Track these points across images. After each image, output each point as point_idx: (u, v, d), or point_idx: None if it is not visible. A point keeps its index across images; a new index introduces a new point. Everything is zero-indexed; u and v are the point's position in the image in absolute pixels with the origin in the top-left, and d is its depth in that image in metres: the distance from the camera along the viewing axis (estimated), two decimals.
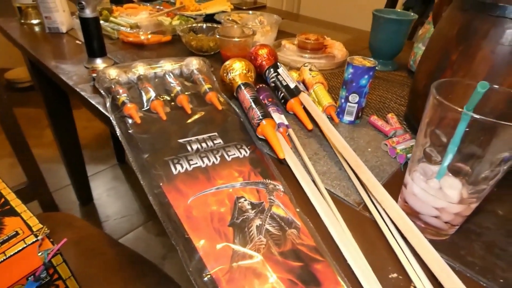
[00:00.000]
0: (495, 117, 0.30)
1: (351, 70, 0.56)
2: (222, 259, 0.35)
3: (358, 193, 0.45)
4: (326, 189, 0.45)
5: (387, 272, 0.35)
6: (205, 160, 0.47)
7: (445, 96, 0.33)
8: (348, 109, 0.59)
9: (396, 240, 0.38)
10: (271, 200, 0.42)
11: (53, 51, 0.86)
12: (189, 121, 0.55)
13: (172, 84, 0.61)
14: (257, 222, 0.39)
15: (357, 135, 0.57)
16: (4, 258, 0.36)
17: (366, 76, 0.55)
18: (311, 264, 0.35)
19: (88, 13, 0.64)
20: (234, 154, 0.49)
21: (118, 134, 0.51)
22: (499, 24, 0.43)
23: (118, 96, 0.56)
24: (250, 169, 0.47)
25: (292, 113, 0.62)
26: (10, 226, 0.39)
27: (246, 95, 0.56)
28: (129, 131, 0.51)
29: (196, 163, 0.46)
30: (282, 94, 0.61)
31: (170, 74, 0.64)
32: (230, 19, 1.01)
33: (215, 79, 0.66)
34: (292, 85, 0.62)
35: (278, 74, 0.65)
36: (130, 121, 0.53)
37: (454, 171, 0.35)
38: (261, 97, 0.60)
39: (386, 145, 0.53)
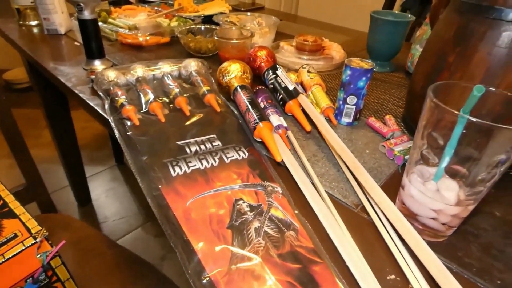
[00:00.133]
0: (492, 119, 0.31)
1: (349, 72, 0.56)
2: (220, 262, 0.35)
3: (356, 195, 0.45)
4: (325, 191, 0.45)
5: (385, 273, 0.35)
6: (204, 162, 0.47)
7: (442, 99, 0.33)
8: (346, 111, 0.59)
9: (394, 241, 0.38)
10: (270, 202, 0.42)
11: (52, 52, 0.86)
12: (188, 123, 0.55)
13: (170, 86, 0.61)
14: (256, 224, 0.39)
15: (355, 136, 0.58)
16: (3, 260, 0.36)
17: (364, 78, 0.55)
18: (309, 266, 0.35)
19: (87, 15, 0.64)
20: (233, 156, 0.49)
21: (116, 136, 0.51)
22: (496, 26, 0.44)
23: (116, 98, 0.56)
24: (249, 171, 0.47)
25: (290, 114, 0.62)
26: (9, 228, 0.40)
27: (242, 98, 0.57)
28: (127, 133, 0.51)
29: (195, 165, 0.46)
30: (281, 96, 0.62)
31: (169, 76, 0.65)
32: (228, 20, 1.01)
33: (213, 81, 0.66)
34: (290, 87, 0.62)
35: (277, 75, 0.65)
36: (128, 123, 0.53)
37: (451, 173, 0.36)
38: (259, 99, 0.60)
39: (384, 146, 0.53)
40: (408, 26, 0.83)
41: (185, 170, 0.45)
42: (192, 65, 0.68)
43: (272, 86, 0.65)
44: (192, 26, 0.92)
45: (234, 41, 0.79)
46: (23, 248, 0.37)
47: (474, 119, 0.30)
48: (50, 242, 0.40)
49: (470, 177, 0.34)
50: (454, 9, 0.50)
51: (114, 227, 1.43)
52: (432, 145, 0.35)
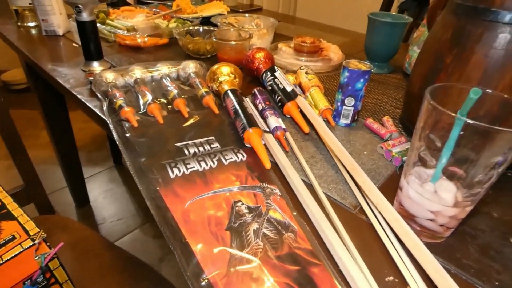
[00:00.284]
0: (489, 120, 0.31)
1: (347, 74, 0.56)
2: (219, 263, 0.35)
3: (355, 196, 0.45)
4: (323, 192, 0.45)
5: (383, 275, 0.35)
6: (202, 164, 0.47)
7: (440, 101, 0.33)
8: (344, 112, 0.59)
9: (392, 243, 0.38)
10: (268, 204, 0.42)
11: (50, 54, 0.86)
12: (186, 124, 0.55)
13: (169, 88, 0.61)
14: (254, 226, 0.39)
15: (353, 138, 0.58)
16: (1, 262, 0.36)
17: (361, 80, 0.56)
18: (308, 267, 0.35)
19: (85, 16, 0.64)
20: (231, 158, 0.49)
21: (115, 138, 0.51)
22: (492, 28, 0.44)
23: (115, 100, 0.56)
24: (247, 173, 0.47)
25: (289, 116, 0.62)
26: (7, 230, 0.39)
27: (230, 103, 0.56)
28: (126, 134, 0.51)
29: (194, 167, 0.46)
30: (279, 97, 0.62)
31: (167, 77, 0.65)
32: (227, 22, 1.01)
33: None
34: (289, 89, 0.62)
35: (275, 77, 0.65)
36: (127, 124, 0.53)
37: (449, 174, 0.36)
38: (257, 101, 0.60)
39: (382, 148, 0.53)
40: (405, 28, 0.83)
41: (183, 172, 0.45)
42: (190, 67, 0.68)
43: (270, 87, 0.65)
44: (190, 28, 0.92)
45: (233, 42, 0.79)
46: (21, 250, 0.37)
47: (471, 122, 0.30)
48: (48, 244, 0.39)
49: (467, 179, 0.34)
50: (451, 11, 0.50)
51: (112, 228, 1.42)
52: (429, 147, 0.36)
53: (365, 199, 0.44)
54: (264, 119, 0.58)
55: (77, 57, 0.83)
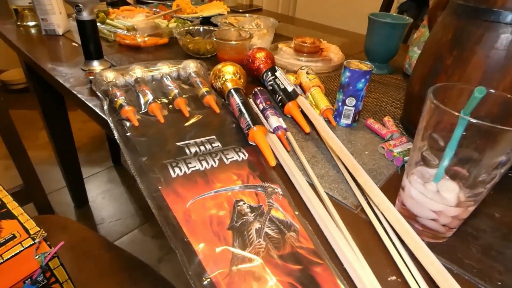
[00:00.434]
0: (490, 120, 0.31)
1: (348, 74, 0.56)
2: (221, 263, 0.35)
3: (356, 196, 0.45)
4: (325, 192, 0.45)
5: (386, 275, 0.35)
6: (204, 163, 0.47)
7: (442, 100, 0.33)
8: (345, 112, 0.59)
9: (393, 243, 0.38)
10: (270, 203, 0.42)
11: (50, 53, 0.86)
12: (187, 124, 0.55)
13: (169, 87, 0.61)
14: (256, 225, 0.39)
15: (354, 138, 0.58)
16: (1, 261, 0.36)
17: (362, 80, 0.56)
18: (310, 267, 0.35)
19: (85, 15, 0.64)
20: (233, 157, 0.49)
21: (116, 137, 0.51)
22: (493, 29, 0.44)
23: (115, 99, 0.56)
24: (249, 172, 0.47)
25: (289, 116, 0.62)
26: (7, 229, 0.39)
27: (235, 102, 0.56)
28: (127, 134, 0.51)
29: (195, 167, 0.46)
30: (280, 97, 0.62)
31: (168, 77, 0.65)
32: (227, 22, 1.01)
33: None
34: (289, 88, 0.62)
35: (276, 77, 0.65)
36: (128, 124, 0.53)
37: (452, 174, 0.36)
38: (258, 101, 0.60)
39: (383, 148, 0.53)
40: (405, 28, 0.83)
41: (185, 171, 0.45)
42: (191, 66, 0.68)
43: (271, 87, 0.65)
44: (191, 28, 0.92)
45: (233, 42, 0.79)
46: (22, 249, 0.37)
47: (474, 121, 0.30)
48: (48, 243, 0.39)
49: (470, 179, 0.34)
50: (452, 12, 0.50)
51: (111, 228, 1.42)
52: (432, 147, 0.36)
53: (366, 199, 0.44)
54: (265, 118, 0.57)
55: (77, 57, 0.83)
